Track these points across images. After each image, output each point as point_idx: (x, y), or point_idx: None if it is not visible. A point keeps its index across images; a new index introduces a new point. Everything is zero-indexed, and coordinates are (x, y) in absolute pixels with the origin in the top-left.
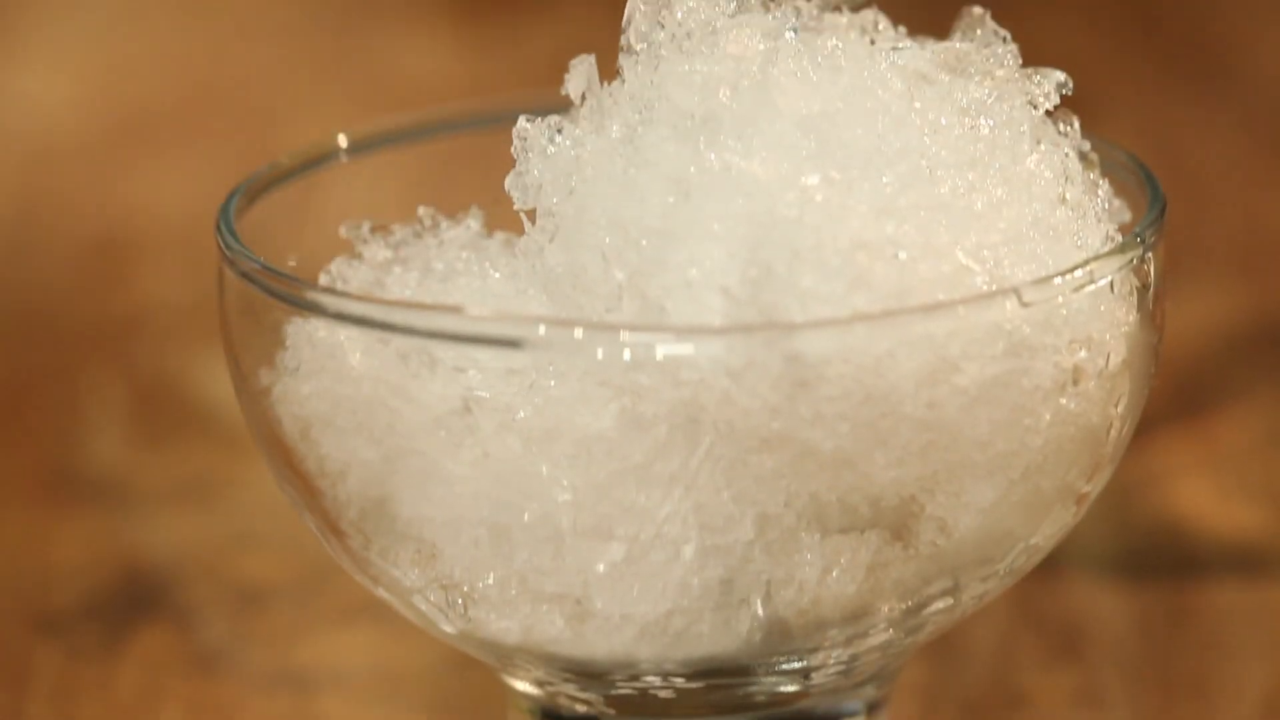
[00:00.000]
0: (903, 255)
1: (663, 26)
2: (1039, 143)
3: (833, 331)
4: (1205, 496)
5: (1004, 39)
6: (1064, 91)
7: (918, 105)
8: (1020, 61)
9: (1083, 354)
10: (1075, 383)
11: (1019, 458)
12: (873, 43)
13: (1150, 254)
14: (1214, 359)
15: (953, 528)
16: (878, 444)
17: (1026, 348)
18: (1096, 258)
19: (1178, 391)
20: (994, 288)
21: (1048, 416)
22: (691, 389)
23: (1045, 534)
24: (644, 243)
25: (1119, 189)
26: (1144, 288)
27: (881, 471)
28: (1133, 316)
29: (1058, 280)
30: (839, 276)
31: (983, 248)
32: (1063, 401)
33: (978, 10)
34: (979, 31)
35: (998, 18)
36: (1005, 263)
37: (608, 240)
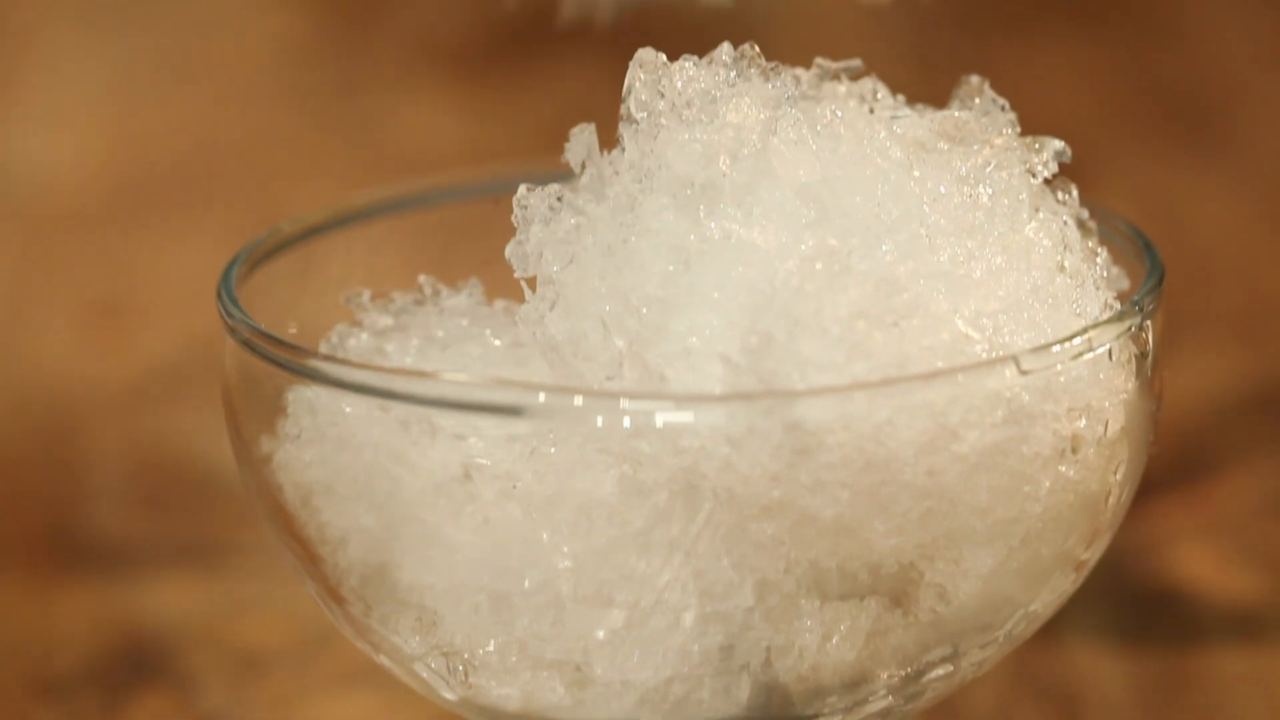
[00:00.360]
0: (902, 324)
1: (662, 95)
2: (1037, 210)
3: (832, 399)
4: (1205, 563)
5: (1002, 107)
6: (1062, 159)
7: (916, 174)
8: (1019, 129)
9: (1082, 422)
10: (1074, 450)
11: (1018, 525)
12: (871, 111)
13: (1149, 322)
14: (1213, 425)
15: (952, 594)
16: (878, 511)
17: (1026, 415)
18: (1095, 325)
19: (1177, 457)
20: (993, 355)
21: (1047, 484)
22: (691, 456)
23: (1044, 601)
24: (644, 310)
25: (1117, 256)
26: (1142, 355)
27: (881, 539)
28: (1131, 384)
29: (1056, 348)
30: (839, 345)
31: (981, 315)
32: (1062, 469)
33: (976, 79)
34: (977, 100)
35: (995, 84)
36: (1004, 330)
37: (608, 308)
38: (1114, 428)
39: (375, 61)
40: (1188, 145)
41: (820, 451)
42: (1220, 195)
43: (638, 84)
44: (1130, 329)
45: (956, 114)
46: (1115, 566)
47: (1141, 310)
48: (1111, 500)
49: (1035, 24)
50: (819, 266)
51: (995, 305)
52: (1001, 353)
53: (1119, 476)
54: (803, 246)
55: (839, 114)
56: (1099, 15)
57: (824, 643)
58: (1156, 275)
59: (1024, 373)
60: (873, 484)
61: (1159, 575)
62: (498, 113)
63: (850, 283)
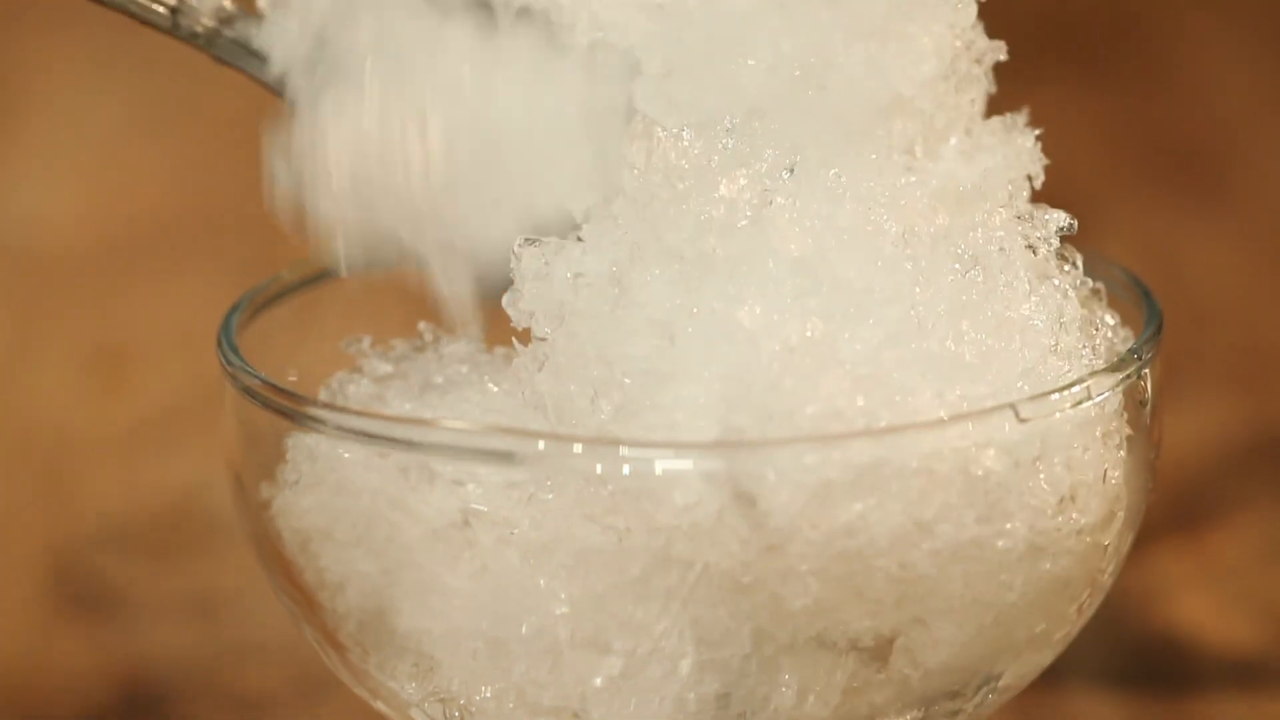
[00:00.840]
0: (881, 417)
1: (657, 165)
2: (1036, 286)
3: (802, 495)
4: (1204, 610)
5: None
6: (1067, 233)
7: (910, 251)
8: (1040, 176)
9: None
10: (1073, 499)
11: (992, 608)
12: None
13: (1147, 370)
14: (1213, 472)
15: (921, 660)
16: (851, 596)
17: (1001, 511)
18: (1093, 374)
19: (1177, 504)
20: (974, 445)
21: (1020, 579)
22: (665, 535)
23: (1017, 674)
24: (628, 381)
25: (1115, 305)
26: (1141, 404)
27: (856, 620)
28: (1129, 433)
29: (1055, 396)
30: (812, 442)
31: (967, 400)
32: (1046, 566)
33: (1011, 117)
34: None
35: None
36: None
37: (595, 374)
38: (1112, 477)
39: None
40: (1187, 193)
41: (790, 544)
42: (1219, 242)
43: (633, 151)
44: (1129, 378)
45: (961, 181)
46: (1115, 612)
47: (1140, 359)
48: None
49: (1036, 71)
50: (800, 354)
51: (984, 389)
52: (986, 438)
53: (1109, 565)
54: (787, 330)
55: (842, 178)
56: (1099, 63)
57: (800, 699)
58: (1155, 324)
59: (1023, 420)
60: (845, 573)
61: (1158, 621)
62: None
63: (831, 372)
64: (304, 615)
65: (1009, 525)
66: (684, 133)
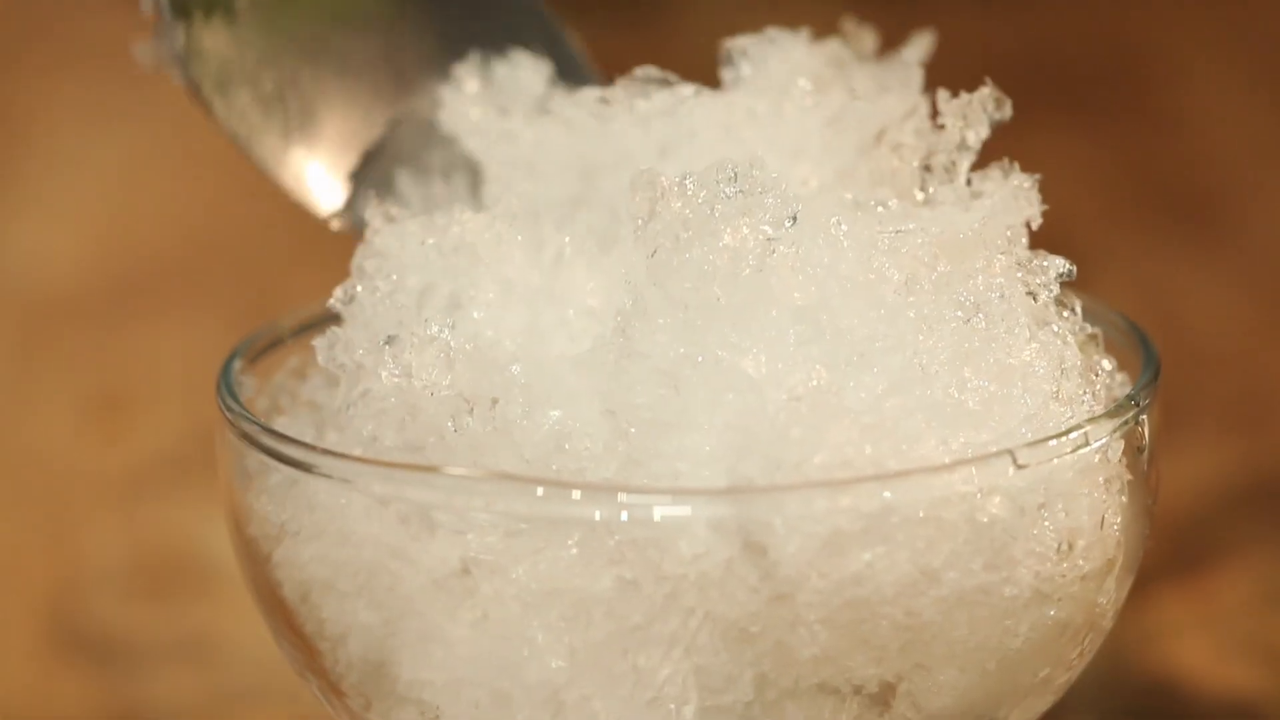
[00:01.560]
0: (887, 464)
1: (660, 213)
2: (1038, 331)
3: (813, 544)
4: (1202, 653)
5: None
6: (1066, 279)
7: (912, 299)
8: (1038, 219)
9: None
10: (1070, 546)
11: (995, 653)
12: (879, 223)
13: (1145, 417)
14: (1211, 516)
15: (924, 705)
16: (857, 643)
17: (1007, 558)
18: (1091, 420)
19: (1175, 549)
20: (979, 491)
21: (1025, 625)
22: (672, 584)
23: (1018, 718)
24: (633, 431)
25: (1112, 350)
26: (1139, 450)
27: (860, 666)
28: (1127, 479)
29: (1053, 443)
30: (820, 490)
31: (970, 448)
32: (1050, 612)
33: (1008, 162)
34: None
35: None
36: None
37: (598, 421)
38: (1110, 523)
39: None
40: (1185, 237)
41: (798, 593)
42: (1217, 287)
43: (636, 199)
44: (1126, 424)
45: (961, 228)
46: (1114, 656)
47: (1138, 405)
48: (1099, 621)
49: (1035, 115)
50: (806, 403)
51: (986, 436)
52: (991, 484)
53: (1108, 601)
54: (793, 379)
55: (842, 224)
56: (1098, 108)
57: None
58: (1152, 370)
59: (1020, 466)
60: (852, 621)
61: (1157, 665)
62: None
63: (837, 420)
64: (305, 664)
65: (1015, 572)
66: (687, 181)
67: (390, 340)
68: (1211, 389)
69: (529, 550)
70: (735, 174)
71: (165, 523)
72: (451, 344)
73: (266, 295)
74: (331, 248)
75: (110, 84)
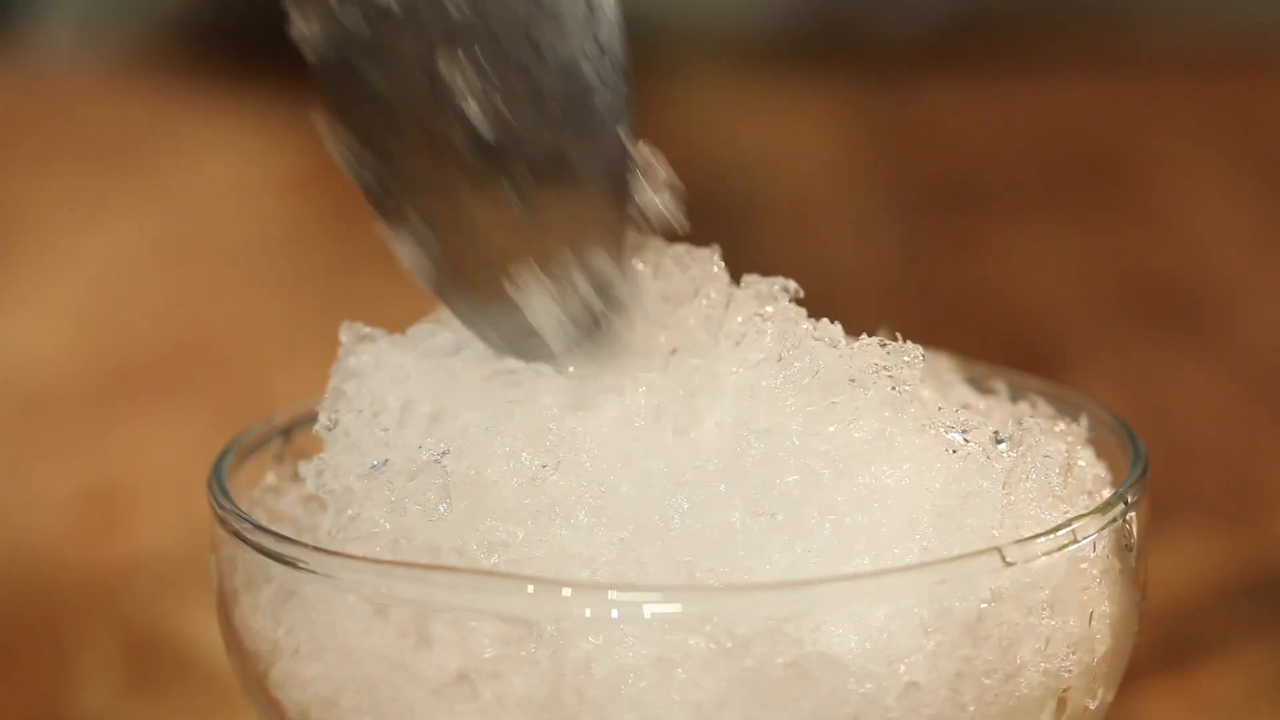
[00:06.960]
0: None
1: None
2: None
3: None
4: None
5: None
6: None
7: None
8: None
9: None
10: (1054, 641)
11: None
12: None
13: (1133, 513)
14: (1200, 610)
15: None
16: None
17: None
18: (1079, 517)
19: (1164, 643)
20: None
21: None
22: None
23: None
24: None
25: (1100, 448)
26: (1127, 548)
27: None
28: (1116, 575)
29: (1041, 540)
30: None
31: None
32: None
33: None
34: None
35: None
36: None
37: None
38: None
39: (367, 245)
40: (1172, 332)
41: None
42: (1204, 381)
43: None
44: (1114, 521)
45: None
46: None
47: (1126, 502)
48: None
49: (1022, 210)
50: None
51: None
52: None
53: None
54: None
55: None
56: (1085, 202)
57: None
58: (1140, 466)
59: (1008, 564)
60: None
61: None
62: None
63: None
64: None
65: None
66: None
67: (381, 466)
68: (1200, 483)
69: (525, 654)
70: None
71: (157, 618)
72: (448, 469)
73: (259, 389)
74: (323, 341)
75: (103, 178)
